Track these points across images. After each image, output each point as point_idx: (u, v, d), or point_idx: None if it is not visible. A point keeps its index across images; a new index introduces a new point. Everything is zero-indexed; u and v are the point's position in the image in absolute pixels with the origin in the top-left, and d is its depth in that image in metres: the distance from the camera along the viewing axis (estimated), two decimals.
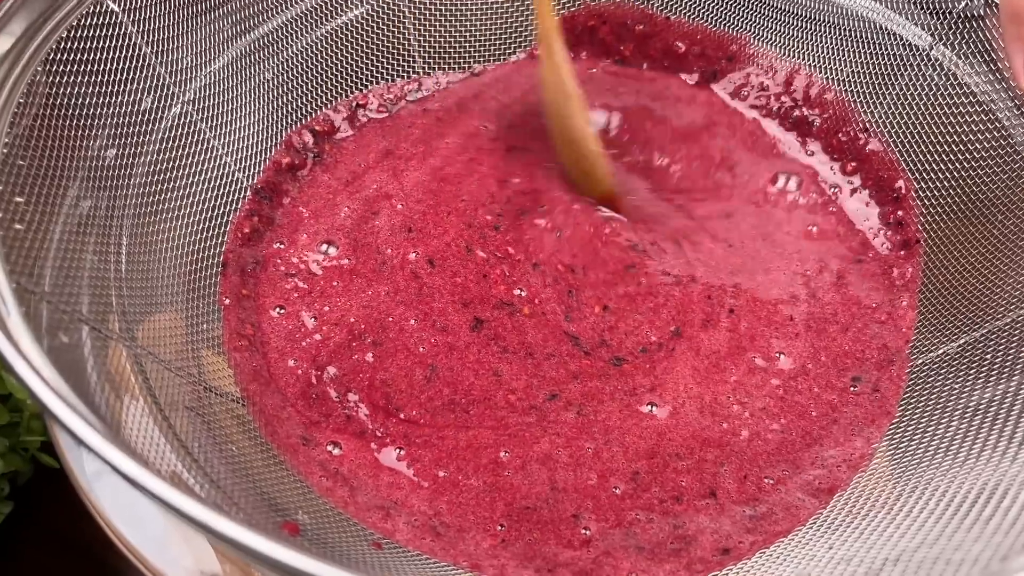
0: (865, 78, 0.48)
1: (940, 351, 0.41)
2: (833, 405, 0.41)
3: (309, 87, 0.49)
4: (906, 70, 0.47)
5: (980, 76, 0.44)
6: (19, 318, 0.28)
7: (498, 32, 0.53)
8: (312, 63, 0.49)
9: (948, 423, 0.38)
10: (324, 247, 0.45)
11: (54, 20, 0.36)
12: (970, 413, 0.37)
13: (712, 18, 0.51)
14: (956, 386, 0.39)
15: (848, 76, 0.49)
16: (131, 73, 0.40)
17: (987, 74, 0.44)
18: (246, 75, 0.46)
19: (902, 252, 0.46)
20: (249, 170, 0.46)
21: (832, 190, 0.48)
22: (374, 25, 0.50)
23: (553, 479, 0.38)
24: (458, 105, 0.52)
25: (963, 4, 0.44)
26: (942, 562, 0.31)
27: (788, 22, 0.50)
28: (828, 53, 0.49)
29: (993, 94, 0.43)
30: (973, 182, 0.44)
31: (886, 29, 0.47)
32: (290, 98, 0.48)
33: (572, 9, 0.52)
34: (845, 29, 0.49)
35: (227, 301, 0.42)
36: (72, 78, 0.37)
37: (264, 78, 0.47)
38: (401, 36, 0.51)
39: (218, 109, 0.45)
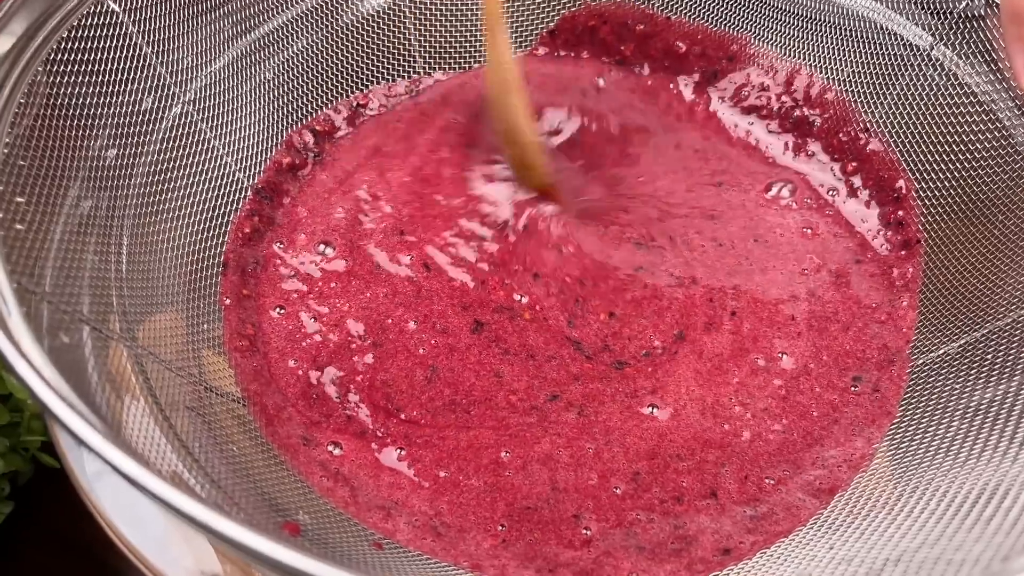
0: (866, 78, 0.48)
1: (941, 351, 0.41)
2: (834, 405, 0.41)
3: (309, 87, 0.49)
4: (907, 70, 0.47)
5: (981, 76, 0.44)
6: (20, 318, 0.28)
7: None
8: (312, 63, 0.49)
9: (949, 423, 0.38)
10: (321, 247, 0.45)
11: (54, 20, 0.36)
12: (971, 413, 0.37)
13: (713, 18, 0.51)
14: (957, 386, 0.39)
15: (849, 76, 0.49)
16: (132, 73, 0.40)
17: (988, 74, 0.44)
18: (247, 75, 0.46)
19: (903, 252, 0.46)
20: (250, 170, 0.46)
21: (829, 193, 0.48)
22: (374, 25, 0.50)
23: (554, 479, 0.38)
24: (443, 96, 0.51)
25: (964, 4, 0.44)
26: (943, 562, 0.31)
27: (789, 22, 0.50)
28: (829, 53, 0.49)
29: (994, 94, 0.43)
30: (974, 182, 0.43)
31: (887, 29, 0.47)
32: (290, 98, 0.48)
33: (572, 9, 0.52)
34: (846, 29, 0.49)
35: (228, 301, 0.42)
36: (73, 78, 0.37)
37: (264, 78, 0.47)
38: (401, 36, 0.51)
39: (219, 109, 0.45)
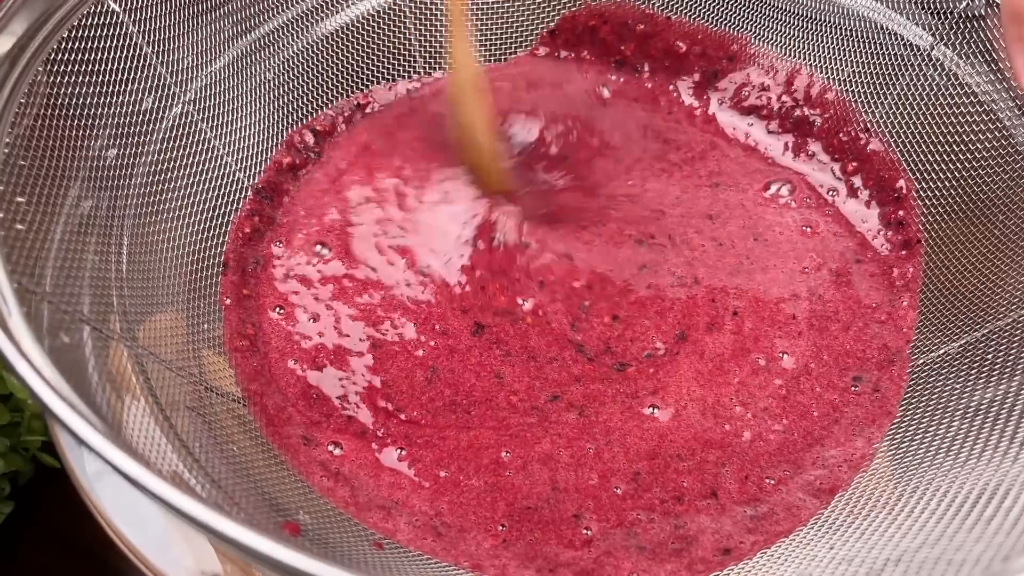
0: (866, 78, 0.48)
1: (941, 351, 0.41)
2: (834, 405, 0.41)
3: (309, 87, 0.49)
4: (907, 70, 0.47)
5: (981, 76, 0.44)
6: (20, 318, 0.28)
7: (498, 32, 0.53)
8: (312, 63, 0.49)
9: (949, 423, 0.38)
10: (318, 248, 0.45)
11: (55, 20, 0.36)
12: (971, 413, 0.37)
13: (713, 18, 0.51)
14: (957, 386, 0.39)
15: (849, 76, 0.49)
16: (132, 73, 0.40)
17: (988, 74, 0.44)
18: (247, 75, 0.46)
19: (903, 252, 0.46)
20: (250, 170, 0.46)
21: (829, 193, 0.48)
22: (375, 25, 0.50)
23: (554, 479, 0.38)
24: (433, 92, 0.51)
25: (964, 4, 0.44)
26: (943, 562, 0.31)
27: (789, 22, 0.50)
28: (829, 53, 0.49)
29: (994, 94, 0.43)
30: (974, 182, 0.43)
31: (887, 29, 0.47)
32: (290, 98, 0.48)
33: (573, 9, 0.52)
34: (846, 29, 0.49)
35: (228, 301, 0.42)
36: (73, 78, 0.37)
37: (265, 78, 0.47)
38: (402, 36, 0.51)
39: (219, 109, 0.45)
